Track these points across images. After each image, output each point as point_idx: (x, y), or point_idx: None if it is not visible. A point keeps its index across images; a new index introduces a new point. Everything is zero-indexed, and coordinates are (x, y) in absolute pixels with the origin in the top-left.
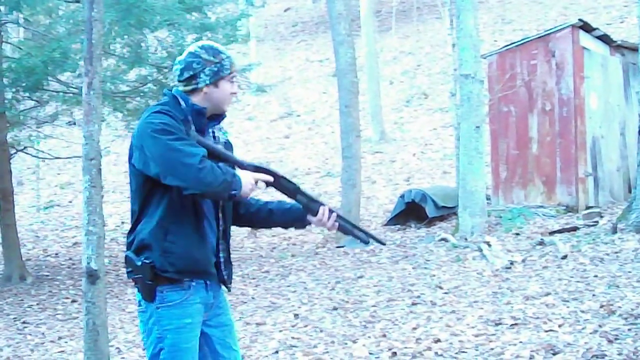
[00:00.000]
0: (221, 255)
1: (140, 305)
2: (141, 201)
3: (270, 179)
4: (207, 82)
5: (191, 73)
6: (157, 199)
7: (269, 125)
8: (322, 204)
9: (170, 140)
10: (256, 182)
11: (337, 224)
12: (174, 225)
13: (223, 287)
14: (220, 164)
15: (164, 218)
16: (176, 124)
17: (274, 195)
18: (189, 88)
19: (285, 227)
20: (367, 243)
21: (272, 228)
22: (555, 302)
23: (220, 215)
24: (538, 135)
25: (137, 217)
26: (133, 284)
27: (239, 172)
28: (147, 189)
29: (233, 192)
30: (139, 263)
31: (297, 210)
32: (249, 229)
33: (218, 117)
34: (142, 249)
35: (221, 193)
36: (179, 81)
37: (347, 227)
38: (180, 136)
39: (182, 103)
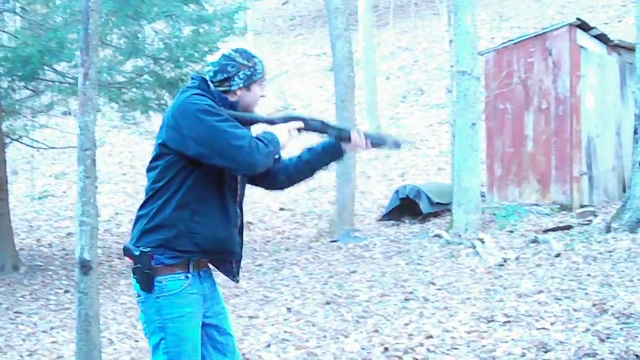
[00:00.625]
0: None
1: (139, 296)
2: (166, 181)
3: (301, 124)
4: (241, 85)
5: (225, 76)
6: (182, 179)
7: None
8: (350, 130)
9: (218, 121)
10: (290, 132)
11: (369, 141)
12: (200, 205)
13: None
14: (260, 135)
15: (190, 198)
16: (214, 104)
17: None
18: (221, 89)
19: (326, 165)
20: (399, 147)
21: (313, 171)
22: (547, 300)
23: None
24: (533, 134)
25: (157, 197)
26: (132, 275)
27: (273, 129)
28: (176, 169)
29: (277, 155)
30: (137, 253)
31: (330, 145)
32: (286, 187)
33: None
34: (160, 228)
35: (270, 163)
36: (212, 82)
37: (378, 140)
38: (225, 117)
39: (212, 86)
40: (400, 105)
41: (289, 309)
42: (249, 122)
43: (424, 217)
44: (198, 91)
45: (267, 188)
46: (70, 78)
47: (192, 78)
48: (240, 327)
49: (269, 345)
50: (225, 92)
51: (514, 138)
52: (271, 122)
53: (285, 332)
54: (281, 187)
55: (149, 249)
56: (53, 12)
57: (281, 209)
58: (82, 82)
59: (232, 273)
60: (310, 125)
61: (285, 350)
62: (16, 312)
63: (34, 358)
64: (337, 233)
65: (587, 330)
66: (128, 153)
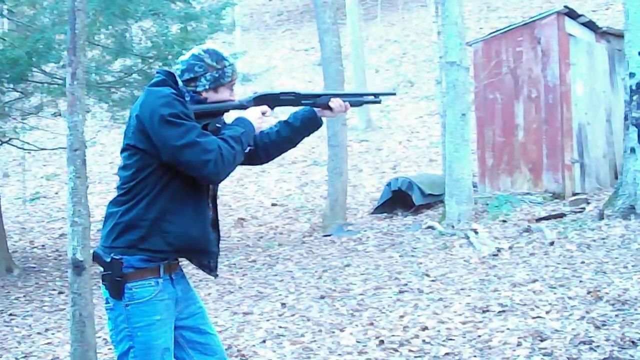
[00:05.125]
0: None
1: (107, 302)
2: (139, 179)
3: (273, 102)
4: (207, 87)
5: (192, 75)
6: (156, 178)
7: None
8: (328, 96)
9: (185, 132)
10: (263, 113)
11: (348, 104)
12: (173, 204)
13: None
14: (230, 131)
15: (163, 197)
16: (182, 108)
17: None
18: (187, 89)
19: (302, 135)
20: (379, 102)
21: (294, 144)
22: (542, 289)
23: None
24: (524, 123)
25: (129, 195)
26: (101, 281)
27: (244, 114)
28: (150, 169)
29: (249, 146)
30: (108, 259)
31: (308, 118)
32: (266, 162)
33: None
34: (131, 228)
35: (238, 163)
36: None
37: (356, 100)
38: (192, 124)
39: (180, 82)
40: (390, 97)
41: (283, 304)
42: (219, 113)
43: (417, 209)
44: (165, 90)
45: (247, 165)
46: (59, 79)
47: (158, 72)
48: (235, 323)
49: (264, 341)
50: (192, 91)
51: (505, 127)
52: (242, 107)
53: (280, 327)
54: (260, 163)
55: (119, 256)
56: (40, 13)
57: (273, 205)
58: (70, 82)
59: (209, 268)
60: (283, 101)
61: (281, 346)
62: (11, 315)
63: None
64: (330, 227)
65: (583, 317)
66: (119, 153)
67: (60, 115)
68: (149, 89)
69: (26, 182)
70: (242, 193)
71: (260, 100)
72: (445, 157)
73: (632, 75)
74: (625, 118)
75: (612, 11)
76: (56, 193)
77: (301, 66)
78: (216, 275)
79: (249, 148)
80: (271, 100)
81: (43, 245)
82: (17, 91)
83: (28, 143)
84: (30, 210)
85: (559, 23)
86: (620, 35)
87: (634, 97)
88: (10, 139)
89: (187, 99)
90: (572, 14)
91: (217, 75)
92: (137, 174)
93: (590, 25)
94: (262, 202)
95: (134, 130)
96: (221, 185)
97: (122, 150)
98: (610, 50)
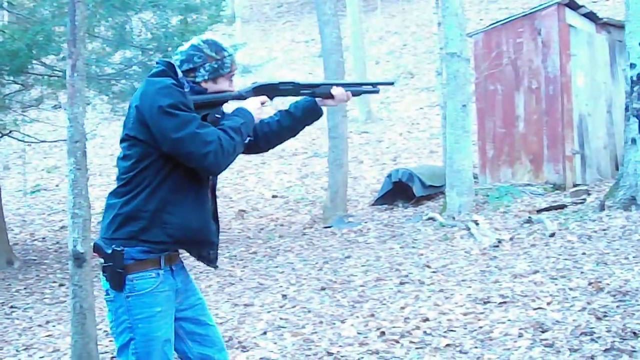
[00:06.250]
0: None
1: (108, 294)
2: (139, 170)
3: (270, 94)
4: (206, 77)
5: (191, 66)
6: (156, 169)
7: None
8: (327, 85)
9: (185, 122)
10: (262, 104)
11: (350, 92)
12: (174, 195)
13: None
14: (229, 121)
15: (164, 188)
16: (182, 99)
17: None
18: (187, 79)
19: (303, 124)
20: (377, 92)
21: (294, 134)
22: (543, 280)
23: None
24: (525, 114)
25: (129, 186)
26: (101, 272)
27: (243, 104)
28: (150, 159)
29: (249, 137)
30: (109, 251)
31: (309, 108)
32: (265, 151)
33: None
34: (131, 219)
35: (238, 154)
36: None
37: (354, 89)
38: (192, 115)
39: (180, 73)
40: (390, 89)
41: (284, 296)
42: (218, 103)
43: (417, 201)
44: (164, 81)
45: (247, 154)
46: (59, 71)
47: (158, 63)
48: (236, 315)
49: (265, 333)
50: (191, 82)
51: (505, 119)
52: (241, 97)
53: (281, 319)
54: (260, 152)
55: (120, 247)
56: (40, 5)
57: (274, 196)
58: (70, 74)
59: (209, 259)
60: (282, 91)
61: (282, 337)
62: (11, 307)
63: (30, 352)
64: (331, 219)
65: (584, 309)
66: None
67: (60, 107)
68: (149, 79)
69: (27, 175)
70: (243, 185)
71: (259, 90)
72: (446, 149)
73: (632, 66)
74: (626, 109)
75: (612, 2)
76: (57, 185)
77: (301, 58)
78: (216, 267)
79: (248, 138)
80: (270, 90)
81: (44, 238)
82: (18, 83)
83: (28, 135)
84: (30, 203)
85: (560, 14)
86: (620, 26)
87: (635, 88)
88: (10, 132)
89: (187, 89)
90: (572, 5)
91: (216, 65)
92: (137, 164)
93: (590, 16)
94: (262, 193)
95: (134, 121)
96: (222, 177)
97: (122, 141)
98: (611, 41)
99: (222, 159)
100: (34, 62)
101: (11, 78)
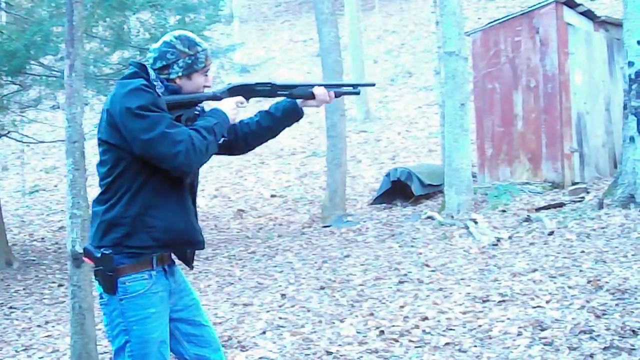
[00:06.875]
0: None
1: (102, 298)
2: (116, 175)
3: (246, 95)
4: (180, 73)
5: (164, 63)
6: (134, 174)
7: (253, 107)
8: (305, 86)
9: (154, 123)
10: (240, 104)
11: (333, 93)
12: (156, 198)
13: (185, 266)
14: (203, 121)
15: (144, 192)
16: (151, 99)
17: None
18: (161, 77)
19: (283, 125)
20: (358, 93)
21: (274, 134)
22: (542, 278)
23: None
24: (523, 112)
25: (109, 193)
26: (94, 277)
27: (218, 105)
28: (125, 164)
29: (223, 137)
30: (99, 255)
31: (290, 109)
32: (246, 152)
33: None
34: (114, 226)
35: (211, 154)
36: (153, 69)
37: (334, 90)
38: (162, 116)
39: (152, 74)
40: (388, 88)
41: (283, 295)
42: (192, 104)
43: (416, 200)
44: (134, 82)
45: (227, 155)
46: (57, 71)
47: (130, 64)
48: (235, 315)
49: (264, 332)
50: (165, 79)
51: (504, 117)
52: (216, 98)
53: (280, 318)
54: (240, 153)
55: (109, 251)
56: (38, 5)
57: (273, 196)
58: (68, 74)
59: (187, 260)
60: (259, 91)
61: (281, 337)
62: (10, 308)
63: (29, 352)
64: (330, 218)
65: (583, 307)
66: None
67: (58, 107)
68: (119, 81)
69: (25, 175)
70: (241, 184)
71: (235, 91)
72: (445, 147)
73: (631, 64)
74: (625, 107)
75: (610, 0)
76: (55, 186)
77: (299, 57)
78: (192, 267)
79: (223, 139)
80: (246, 91)
81: (42, 238)
82: (16, 84)
83: (27, 136)
84: (29, 203)
85: (558, 12)
86: (618, 24)
87: (633, 86)
88: (9, 132)
89: (162, 90)
90: (570, 3)
91: (189, 61)
92: (113, 169)
93: (588, 14)
94: (261, 193)
95: (106, 125)
96: (221, 177)
97: (98, 145)
98: (609, 40)
99: (194, 158)
100: (32, 62)
101: (9, 78)
